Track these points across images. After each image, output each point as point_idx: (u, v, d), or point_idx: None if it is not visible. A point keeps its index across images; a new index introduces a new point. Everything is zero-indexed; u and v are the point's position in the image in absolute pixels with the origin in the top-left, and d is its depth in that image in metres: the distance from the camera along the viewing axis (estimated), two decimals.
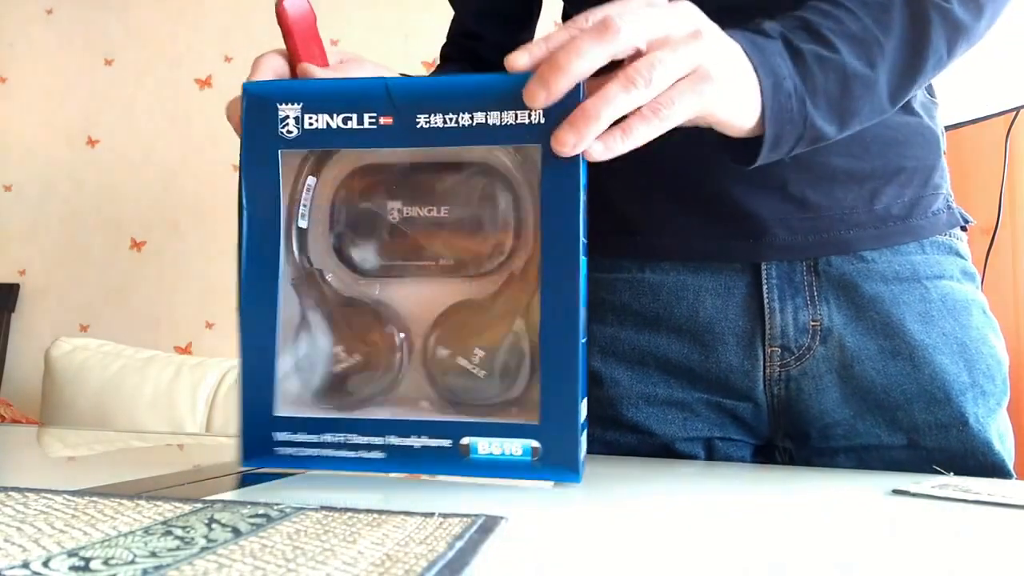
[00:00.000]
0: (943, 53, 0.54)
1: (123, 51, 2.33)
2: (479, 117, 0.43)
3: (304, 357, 0.48)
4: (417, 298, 0.49)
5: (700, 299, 0.63)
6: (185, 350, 2.15)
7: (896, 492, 0.46)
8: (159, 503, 0.33)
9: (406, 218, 0.48)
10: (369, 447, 0.45)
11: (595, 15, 0.43)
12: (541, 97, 0.41)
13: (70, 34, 2.36)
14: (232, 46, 2.27)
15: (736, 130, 0.47)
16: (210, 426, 1.85)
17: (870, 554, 0.32)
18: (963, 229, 0.67)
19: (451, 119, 0.43)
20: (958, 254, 0.65)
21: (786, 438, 0.64)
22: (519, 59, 0.43)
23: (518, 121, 0.42)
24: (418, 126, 0.43)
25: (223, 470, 0.52)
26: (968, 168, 1.82)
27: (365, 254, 0.49)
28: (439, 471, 0.45)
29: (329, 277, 0.50)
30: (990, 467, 0.60)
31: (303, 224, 0.48)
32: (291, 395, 0.48)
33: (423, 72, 2.12)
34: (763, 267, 0.62)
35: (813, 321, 0.62)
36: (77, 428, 1.33)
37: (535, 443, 0.43)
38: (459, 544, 0.27)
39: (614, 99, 0.41)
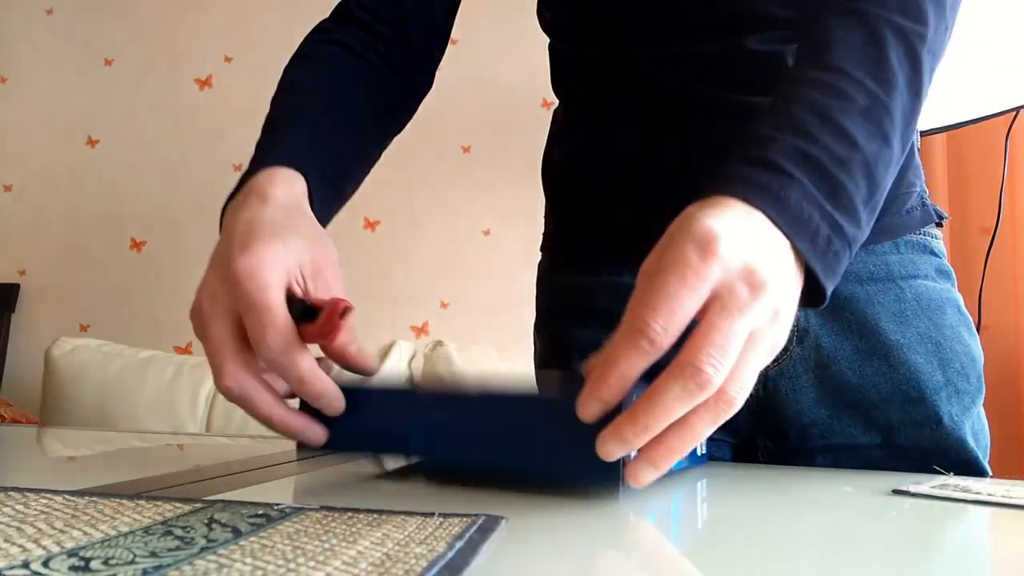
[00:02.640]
0: (927, 85, 0.50)
1: (123, 51, 2.33)
2: None
3: None
4: None
5: None
6: (185, 350, 2.15)
7: (896, 492, 0.46)
8: (159, 503, 0.33)
9: None
10: None
11: (668, 317, 0.36)
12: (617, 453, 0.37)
13: (70, 34, 2.36)
14: (232, 46, 2.27)
15: None
16: (210, 426, 1.85)
17: (870, 554, 0.32)
18: (938, 225, 0.67)
19: None
20: (933, 253, 0.66)
21: (765, 437, 0.65)
22: (590, 409, 0.38)
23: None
24: None
25: (223, 470, 0.52)
26: (968, 168, 1.82)
27: None
28: None
29: None
30: (964, 464, 0.61)
31: None
32: None
33: None
34: None
35: None
36: (77, 428, 1.33)
37: None
38: (459, 544, 0.27)
39: (672, 409, 0.36)
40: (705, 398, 0.36)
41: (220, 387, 0.44)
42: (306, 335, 0.44)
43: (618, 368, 0.37)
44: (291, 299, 0.45)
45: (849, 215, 0.44)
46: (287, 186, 0.52)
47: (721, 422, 0.37)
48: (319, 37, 0.68)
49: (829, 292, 0.43)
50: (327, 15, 0.71)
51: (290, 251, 0.45)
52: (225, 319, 0.44)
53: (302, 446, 0.50)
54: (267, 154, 0.54)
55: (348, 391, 0.49)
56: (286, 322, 0.43)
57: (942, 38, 0.51)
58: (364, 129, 0.65)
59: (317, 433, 0.46)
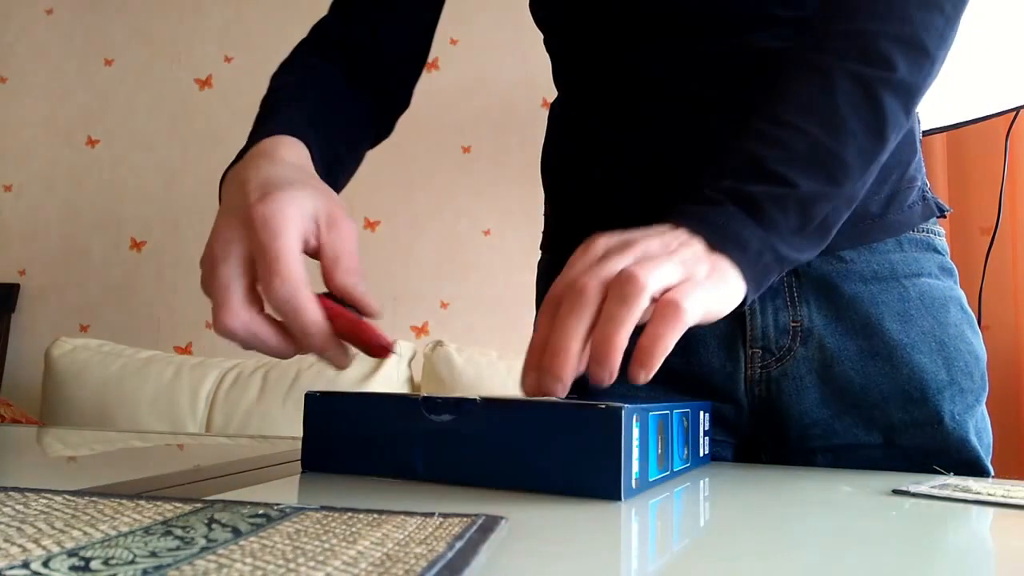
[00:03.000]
0: (902, 121, 0.53)
1: (123, 51, 2.33)
2: None
3: None
4: None
5: None
6: (185, 350, 2.15)
7: (896, 492, 0.46)
8: (159, 503, 0.33)
9: None
10: None
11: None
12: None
13: (70, 34, 2.36)
14: (232, 46, 2.27)
15: (728, 311, 0.46)
16: (210, 426, 1.85)
17: (870, 554, 0.32)
18: (941, 216, 0.67)
19: None
20: (936, 250, 0.66)
21: (767, 437, 0.65)
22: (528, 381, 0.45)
23: None
24: None
25: (223, 470, 0.52)
26: (968, 168, 1.83)
27: None
28: None
29: None
30: (966, 463, 0.61)
31: None
32: None
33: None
34: None
35: (793, 322, 0.62)
36: (77, 428, 1.33)
37: None
38: (459, 544, 0.27)
39: (568, 325, 0.43)
40: (587, 302, 0.42)
41: (222, 327, 0.43)
42: (343, 323, 0.44)
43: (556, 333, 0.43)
44: (338, 299, 0.45)
45: (783, 238, 0.48)
46: (294, 150, 0.52)
47: (633, 304, 0.41)
48: (302, 51, 0.69)
49: (751, 299, 0.48)
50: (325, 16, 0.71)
51: (307, 199, 0.45)
52: (236, 262, 0.43)
53: (308, 462, 0.51)
54: (269, 126, 0.54)
55: (346, 400, 0.50)
56: (297, 271, 0.42)
57: (920, 75, 0.53)
58: (351, 128, 0.65)
59: (341, 356, 0.46)
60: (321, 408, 0.50)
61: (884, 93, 0.51)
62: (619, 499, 0.41)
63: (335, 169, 0.60)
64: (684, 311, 0.41)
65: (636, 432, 0.43)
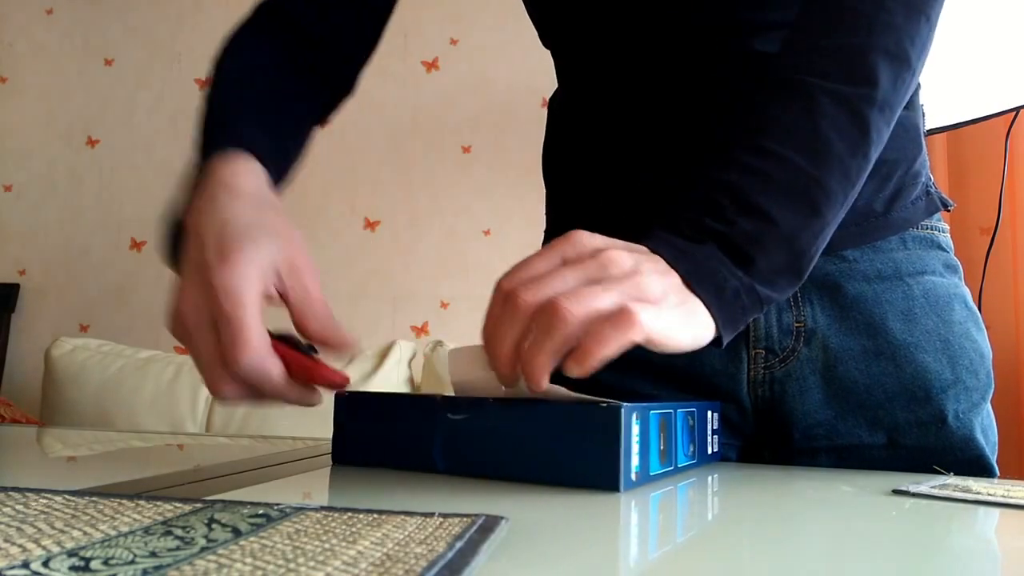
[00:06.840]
0: (885, 137, 0.52)
1: (123, 51, 2.33)
2: None
3: None
4: None
5: None
6: (185, 350, 2.15)
7: (896, 492, 0.46)
8: (159, 503, 0.33)
9: None
10: None
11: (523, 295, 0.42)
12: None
13: (70, 34, 2.36)
14: None
15: (693, 346, 0.45)
16: (210, 426, 1.85)
17: (870, 554, 0.32)
18: (946, 210, 0.67)
19: None
20: (940, 247, 0.65)
21: (770, 437, 0.64)
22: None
23: None
24: None
25: (223, 470, 0.52)
26: (968, 168, 1.83)
27: None
28: None
29: None
30: (971, 462, 0.61)
31: None
32: None
33: (421, 70, 2.12)
34: None
35: (797, 323, 0.62)
36: (77, 428, 1.33)
37: None
38: (459, 544, 0.27)
39: (501, 332, 0.43)
40: (518, 319, 0.42)
41: (217, 396, 0.46)
42: (299, 369, 0.46)
43: (489, 325, 0.45)
44: (293, 339, 0.47)
45: (762, 280, 0.47)
46: (250, 174, 0.52)
47: (556, 335, 0.41)
48: (247, 31, 0.69)
49: (726, 340, 0.47)
50: None
51: (264, 254, 0.46)
52: (211, 330, 0.45)
53: (338, 456, 0.53)
54: (220, 138, 0.54)
55: (365, 400, 0.52)
56: (260, 339, 0.44)
57: (902, 88, 0.52)
58: (300, 119, 0.65)
59: (308, 396, 0.48)
60: (349, 407, 0.52)
61: (869, 112, 0.50)
62: (618, 490, 0.42)
63: (285, 166, 0.60)
64: (637, 324, 0.40)
65: (636, 429, 0.44)
